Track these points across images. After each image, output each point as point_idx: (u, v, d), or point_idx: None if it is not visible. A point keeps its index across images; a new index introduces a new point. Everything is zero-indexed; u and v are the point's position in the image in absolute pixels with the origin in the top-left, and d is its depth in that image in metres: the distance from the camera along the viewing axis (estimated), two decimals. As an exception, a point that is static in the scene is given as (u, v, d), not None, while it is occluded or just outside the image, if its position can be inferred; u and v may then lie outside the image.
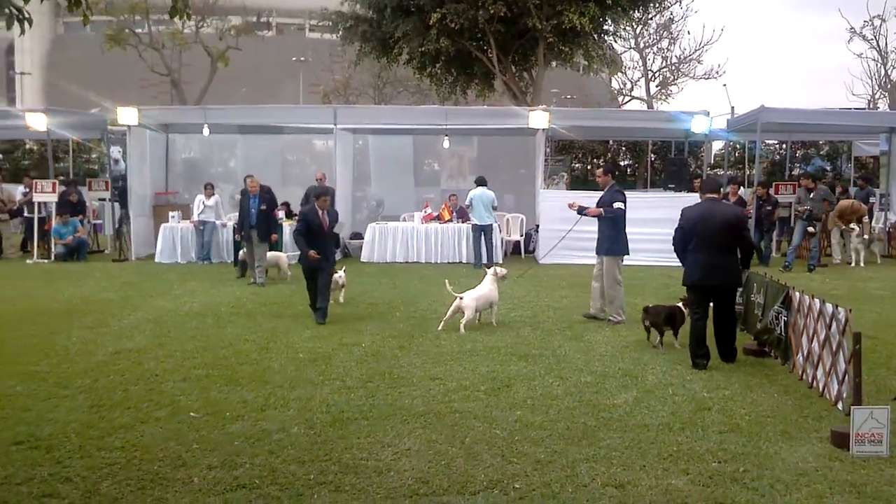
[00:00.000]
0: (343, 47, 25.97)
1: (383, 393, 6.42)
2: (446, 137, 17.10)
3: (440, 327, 9.04)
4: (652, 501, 4.37)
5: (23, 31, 4.28)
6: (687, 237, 7.49)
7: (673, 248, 7.77)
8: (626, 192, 10.02)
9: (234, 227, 14.64)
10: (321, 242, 9.61)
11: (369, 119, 18.54)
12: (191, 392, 6.42)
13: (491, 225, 15.27)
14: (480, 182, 15.40)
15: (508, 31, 21.97)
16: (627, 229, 9.75)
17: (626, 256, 9.87)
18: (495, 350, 7.99)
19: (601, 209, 9.68)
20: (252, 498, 4.36)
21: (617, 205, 9.59)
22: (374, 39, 23.71)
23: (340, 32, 24.51)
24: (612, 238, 9.65)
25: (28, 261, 16.03)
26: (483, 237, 15.20)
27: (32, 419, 5.65)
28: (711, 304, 7.47)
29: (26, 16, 4.31)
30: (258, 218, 12.71)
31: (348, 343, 8.30)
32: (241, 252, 13.67)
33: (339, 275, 10.80)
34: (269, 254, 13.16)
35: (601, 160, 26.36)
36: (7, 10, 4.22)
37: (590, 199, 10.49)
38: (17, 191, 18.76)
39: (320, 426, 5.57)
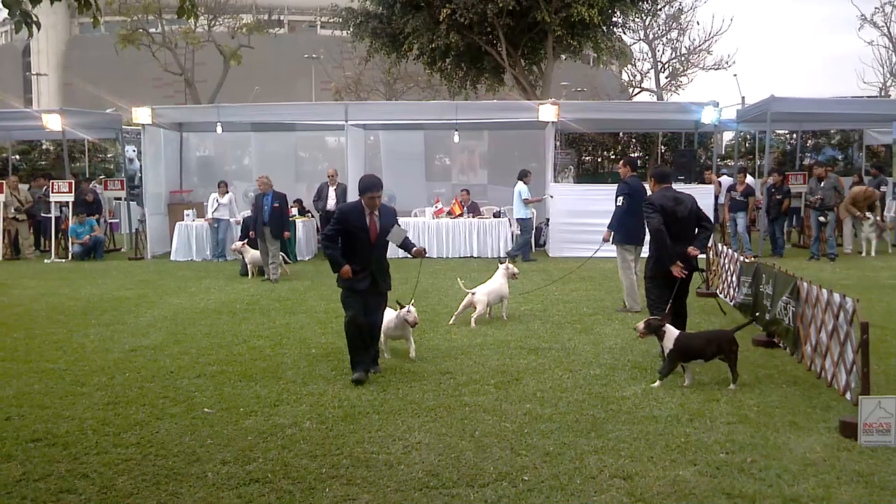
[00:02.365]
0: (353, 44, 26.03)
1: (394, 387, 6.50)
2: (456, 132, 17.14)
3: (451, 321, 9.12)
4: (659, 492, 4.41)
5: (31, 34, 4.37)
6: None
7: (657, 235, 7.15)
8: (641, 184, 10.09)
9: (242, 225, 14.78)
10: (366, 256, 6.87)
11: (380, 115, 18.61)
12: (205, 388, 6.53)
13: (519, 218, 15.39)
14: (519, 176, 15.44)
15: (517, 24, 21.99)
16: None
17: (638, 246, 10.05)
18: (505, 344, 8.06)
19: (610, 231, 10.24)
20: (265, 492, 4.44)
21: (618, 201, 9.93)
22: (384, 35, 23.78)
23: (351, 29, 24.60)
24: (620, 227, 9.96)
25: (46, 260, 16.25)
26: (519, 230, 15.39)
27: (50, 416, 5.77)
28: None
29: (34, 19, 4.41)
30: (271, 215, 12.82)
31: (360, 338, 8.37)
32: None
33: (408, 310, 7.29)
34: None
35: (611, 153, 26.36)
36: (17, 14, 4.32)
37: (600, 191, 10.51)
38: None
39: (332, 421, 5.66)
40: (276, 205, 12.87)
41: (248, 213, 15.10)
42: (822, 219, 14.77)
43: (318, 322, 9.33)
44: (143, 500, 4.33)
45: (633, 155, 26.43)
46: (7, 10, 4.21)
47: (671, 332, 6.51)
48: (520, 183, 15.26)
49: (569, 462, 4.84)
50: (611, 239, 10.26)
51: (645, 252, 8.50)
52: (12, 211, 16.71)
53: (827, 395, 6.08)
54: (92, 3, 4.88)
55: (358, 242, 6.79)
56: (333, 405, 6.04)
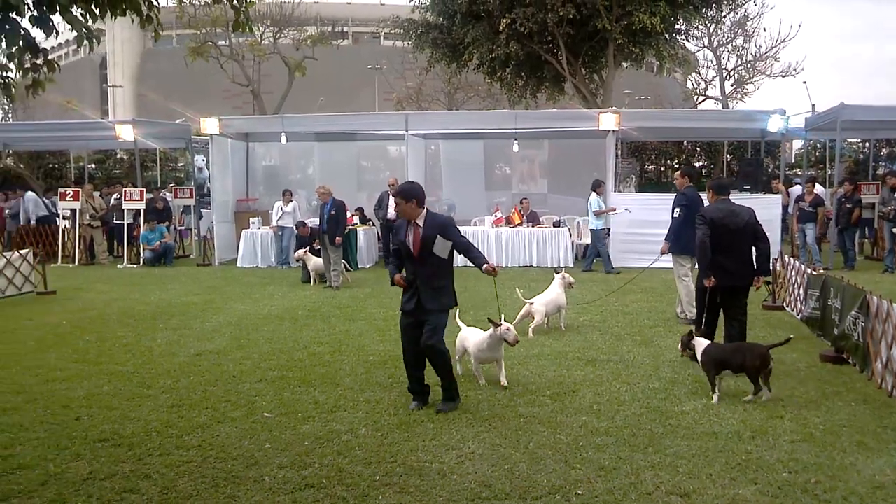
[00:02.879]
0: (414, 54, 26.27)
1: (450, 396, 6.51)
2: (515, 141, 17.12)
3: None
4: (717, 510, 4.32)
5: (91, 48, 4.56)
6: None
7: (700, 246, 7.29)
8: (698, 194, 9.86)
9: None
10: (410, 272, 6.26)
11: (440, 124, 18.75)
12: (266, 393, 6.67)
13: (592, 230, 15.25)
14: (592, 187, 15.33)
15: (578, 33, 21.84)
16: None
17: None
18: (562, 355, 7.99)
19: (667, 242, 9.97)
20: (319, 497, 4.51)
21: (675, 212, 9.76)
22: (444, 46, 23.93)
23: (412, 39, 24.84)
24: (677, 238, 9.73)
25: (118, 266, 16.85)
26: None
27: (117, 417, 5.98)
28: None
29: (94, 35, 4.61)
30: (327, 223, 13.05)
31: (417, 347, 8.43)
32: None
33: (507, 328, 6.67)
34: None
35: (675, 162, 25.89)
36: (81, 30, 4.52)
37: (662, 201, 10.35)
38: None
39: (387, 428, 5.71)
40: (333, 212, 13.06)
41: (312, 221, 15.38)
42: (895, 230, 14.21)
43: (376, 329, 9.43)
44: (203, 502, 4.45)
45: (692, 164, 25.99)
46: (70, 26, 4.41)
47: (700, 343, 6.60)
48: (593, 194, 15.11)
49: (624, 477, 4.78)
50: (668, 250, 10.07)
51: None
52: (87, 218, 17.38)
53: (898, 414, 5.86)
54: (153, 18, 5.08)
55: (406, 257, 6.26)
56: (389, 412, 6.09)
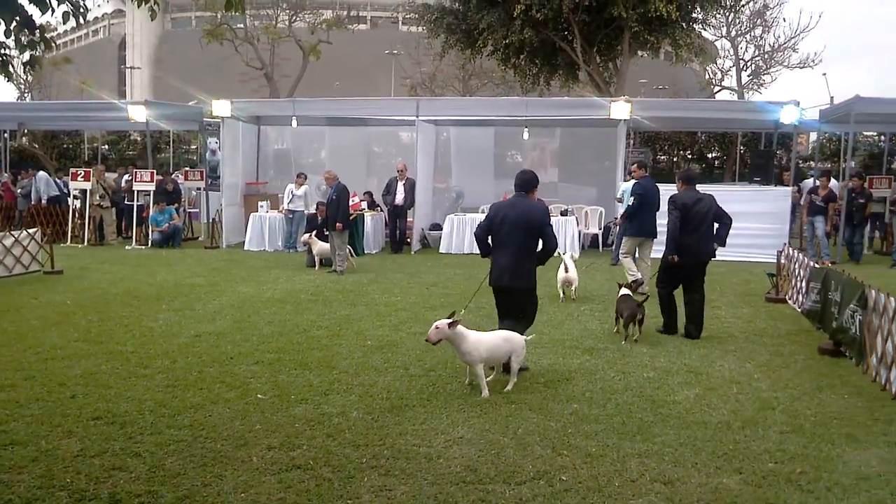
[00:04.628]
0: (429, 40, 26.18)
1: (444, 382, 6.54)
2: (526, 129, 17.04)
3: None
4: (699, 499, 4.32)
5: (78, 23, 4.59)
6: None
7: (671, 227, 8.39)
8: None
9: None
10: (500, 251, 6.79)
11: (450, 110, 18.68)
12: (261, 375, 6.72)
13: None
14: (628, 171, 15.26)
15: (593, 20, 21.66)
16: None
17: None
18: (560, 343, 8.00)
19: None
20: (305, 478, 4.55)
21: (632, 199, 11.47)
22: (459, 31, 23.80)
23: (427, 25, 24.75)
24: (632, 221, 11.48)
25: (127, 247, 16.97)
26: None
27: (112, 396, 6.05)
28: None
29: (81, 10, 4.63)
30: (328, 207, 13.06)
31: (416, 332, 8.45)
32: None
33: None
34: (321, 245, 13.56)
35: (688, 152, 25.71)
36: (65, 5, 4.56)
37: (672, 191, 10.23)
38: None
39: (379, 412, 5.75)
40: (335, 196, 13.06)
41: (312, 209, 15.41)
42: (906, 224, 14.09)
43: (376, 315, 9.46)
44: (189, 480, 4.50)
45: (709, 155, 25.76)
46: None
47: (623, 291, 8.42)
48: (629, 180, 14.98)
49: (609, 464, 4.79)
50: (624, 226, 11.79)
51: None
52: (97, 198, 17.50)
53: (891, 408, 5.83)
54: None
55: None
56: (382, 396, 6.13)
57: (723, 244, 8.42)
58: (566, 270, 10.44)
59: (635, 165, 12.12)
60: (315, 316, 9.38)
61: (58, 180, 18.98)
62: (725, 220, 8.34)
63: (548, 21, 21.21)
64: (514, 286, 6.78)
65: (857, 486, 4.48)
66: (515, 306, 6.86)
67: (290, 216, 16.55)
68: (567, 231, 15.98)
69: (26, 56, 5.34)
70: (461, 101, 26.38)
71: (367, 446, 5.06)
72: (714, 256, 8.47)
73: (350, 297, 10.79)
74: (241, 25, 39.72)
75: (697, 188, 8.58)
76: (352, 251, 13.84)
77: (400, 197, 16.55)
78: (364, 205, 16.90)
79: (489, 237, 6.91)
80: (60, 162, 25.30)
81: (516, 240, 6.71)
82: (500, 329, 6.71)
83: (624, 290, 8.44)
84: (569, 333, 8.47)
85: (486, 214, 7.20)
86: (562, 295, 10.55)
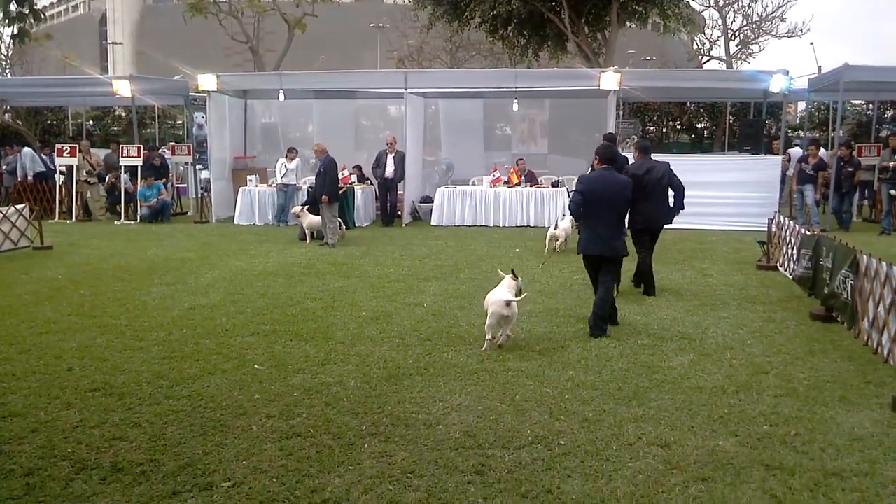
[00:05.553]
0: (415, 12, 25.93)
1: (440, 351, 6.57)
2: (515, 100, 16.97)
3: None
4: (696, 461, 4.37)
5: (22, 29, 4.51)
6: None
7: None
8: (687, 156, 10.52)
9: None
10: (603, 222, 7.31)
11: (439, 82, 18.51)
12: (257, 346, 6.72)
13: None
14: None
15: (582, -10, 21.54)
16: (698, 192, 11.46)
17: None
18: (554, 311, 8.04)
19: None
20: (305, 446, 4.57)
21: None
22: (446, 3, 23.62)
23: (414, -4, 24.54)
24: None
25: (116, 222, 16.85)
26: None
27: (108, 369, 6.04)
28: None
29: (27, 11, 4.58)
30: (315, 180, 13.00)
31: (410, 303, 8.49)
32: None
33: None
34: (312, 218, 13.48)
35: (677, 122, 25.71)
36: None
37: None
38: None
39: (376, 381, 5.77)
40: (322, 169, 13.00)
41: (310, 179, 15.32)
42: (893, 192, 14.16)
43: (370, 286, 9.47)
44: (190, 449, 4.51)
45: (698, 125, 25.70)
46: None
47: None
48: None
49: (607, 429, 4.84)
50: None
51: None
52: (84, 174, 17.34)
53: (883, 371, 5.91)
54: None
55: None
56: (379, 366, 6.15)
57: (680, 207, 8.83)
58: (555, 228, 12.07)
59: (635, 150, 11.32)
60: (308, 288, 9.37)
61: (44, 156, 18.77)
62: (678, 191, 8.75)
63: (536, -9, 21.08)
64: (615, 255, 7.43)
65: (850, 447, 4.55)
66: (609, 270, 7.48)
67: (284, 189, 16.46)
68: (558, 203, 15.98)
69: (14, 29, 5.26)
70: (450, 72, 26.20)
71: (366, 414, 5.09)
72: (670, 222, 8.90)
73: (343, 269, 10.78)
74: (225, -1, 39.12)
75: (654, 157, 9.02)
76: (342, 223, 13.80)
77: (390, 170, 16.49)
78: (354, 178, 16.83)
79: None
80: (46, 138, 24.98)
81: (615, 211, 7.34)
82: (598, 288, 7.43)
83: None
84: (563, 302, 8.51)
85: (576, 189, 7.51)
86: (546, 248, 11.92)
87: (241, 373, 5.97)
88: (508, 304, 6.53)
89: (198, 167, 19.24)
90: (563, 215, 13.09)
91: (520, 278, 7.03)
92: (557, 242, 11.96)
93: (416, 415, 5.07)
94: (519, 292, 6.88)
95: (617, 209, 7.34)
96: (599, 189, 7.27)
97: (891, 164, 14.28)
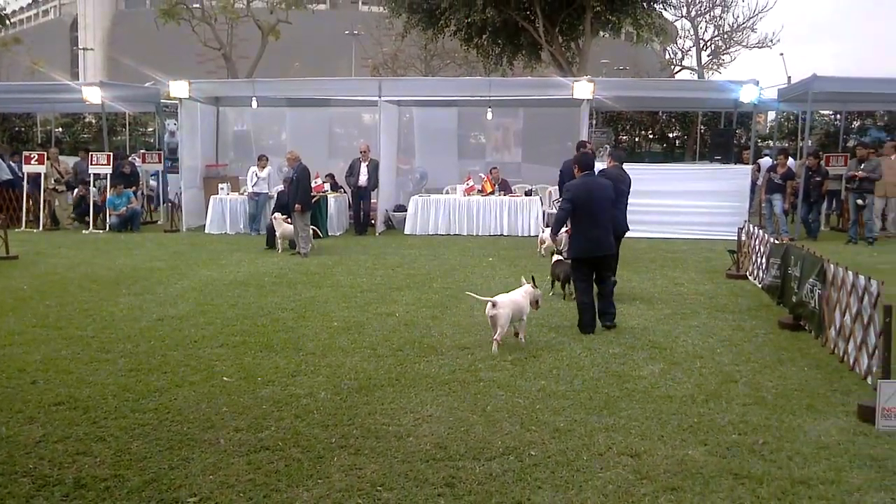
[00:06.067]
0: (390, 19, 25.94)
1: (412, 361, 6.54)
2: (489, 109, 17.02)
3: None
4: (666, 471, 4.39)
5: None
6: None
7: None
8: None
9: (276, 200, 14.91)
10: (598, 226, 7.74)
11: (414, 90, 18.54)
12: (226, 358, 6.64)
13: None
14: None
15: (555, 0, 21.65)
16: (669, 201, 12.40)
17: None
18: (527, 321, 8.01)
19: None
20: (274, 459, 4.52)
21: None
22: (420, 11, 23.62)
23: (389, 4, 24.50)
24: None
25: (84, 231, 16.60)
26: None
27: (73, 381, 5.93)
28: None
29: None
30: (288, 188, 12.92)
31: (382, 313, 8.44)
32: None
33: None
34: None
35: (649, 132, 25.93)
36: None
37: (632, 171, 10.29)
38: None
39: (347, 392, 5.72)
40: (294, 177, 12.93)
41: (281, 187, 15.20)
42: (859, 201, 14.40)
43: (342, 296, 9.41)
44: (156, 463, 4.44)
45: (670, 135, 25.95)
46: None
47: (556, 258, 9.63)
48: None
49: (577, 439, 4.84)
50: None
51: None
52: (52, 182, 17.07)
53: (848, 378, 5.98)
54: None
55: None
56: (350, 377, 6.10)
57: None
58: (543, 232, 12.67)
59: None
60: (279, 298, 9.29)
61: (12, 164, 18.45)
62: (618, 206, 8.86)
63: (510, 0, 21.15)
64: (611, 253, 7.99)
65: (817, 455, 4.60)
66: (608, 267, 8.03)
67: (256, 198, 16.32)
68: (532, 211, 16.04)
69: None
70: (424, 81, 26.22)
71: (336, 426, 5.04)
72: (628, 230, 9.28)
73: (315, 279, 10.70)
74: (198, 5, 38.83)
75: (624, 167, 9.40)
76: (317, 231, 13.72)
77: (363, 178, 16.43)
78: (327, 186, 16.74)
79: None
80: (13, 145, 24.56)
81: (606, 214, 7.79)
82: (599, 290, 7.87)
83: (556, 256, 9.60)
84: (536, 313, 8.49)
85: (564, 198, 7.88)
86: (538, 249, 12.70)
87: (210, 385, 5.89)
88: (495, 304, 6.82)
89: (168, 175, 19.04)
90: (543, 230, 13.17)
91: (538, 289, 7.40)
92: (543, 246, 12.46)
93: (386, 426, 5.04)
94: (536, 303, 7.34)
95: (605, 210, 7.77)
96: (586, 194, 7.69)
97: (858, 173, 14.50)
